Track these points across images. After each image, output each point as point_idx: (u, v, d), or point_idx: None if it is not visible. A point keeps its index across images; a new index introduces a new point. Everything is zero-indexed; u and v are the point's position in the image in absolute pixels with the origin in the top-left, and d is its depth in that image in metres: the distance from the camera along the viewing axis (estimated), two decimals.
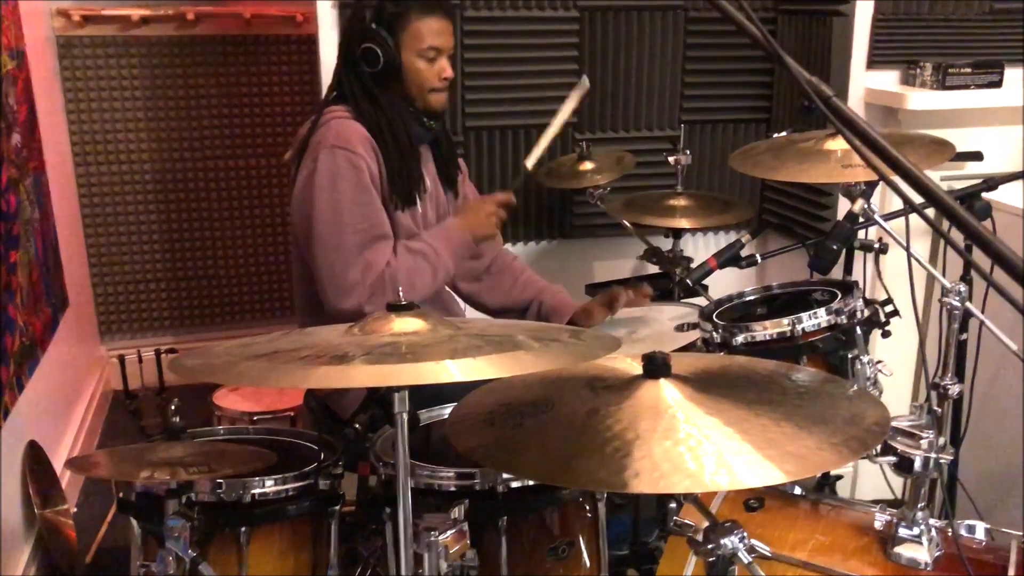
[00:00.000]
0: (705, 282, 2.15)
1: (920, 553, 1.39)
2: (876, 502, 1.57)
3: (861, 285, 1.94)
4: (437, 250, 1.97)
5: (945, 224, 0.79)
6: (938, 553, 1.40)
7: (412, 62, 1.95)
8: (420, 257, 1.95)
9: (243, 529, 1.55)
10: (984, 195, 1.97)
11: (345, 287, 1.87)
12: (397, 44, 1.93)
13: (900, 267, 1.77)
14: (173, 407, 1.54)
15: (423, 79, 1.96)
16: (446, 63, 1.98)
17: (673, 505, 1.46)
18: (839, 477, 2.40)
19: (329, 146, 1.88)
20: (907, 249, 1.71)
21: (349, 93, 1.97)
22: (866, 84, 2.73)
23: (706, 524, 1.13)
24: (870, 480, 2.64)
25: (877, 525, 1.47)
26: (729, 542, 1.10)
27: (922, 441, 1.37)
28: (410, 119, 1.99)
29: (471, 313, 2.41)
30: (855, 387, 1.25)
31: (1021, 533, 1.45)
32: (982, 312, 1.66)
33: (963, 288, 1.58)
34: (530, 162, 2.19)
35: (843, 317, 1.77)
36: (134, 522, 1.61)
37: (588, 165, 2.63)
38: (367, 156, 1.90)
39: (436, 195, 2.11)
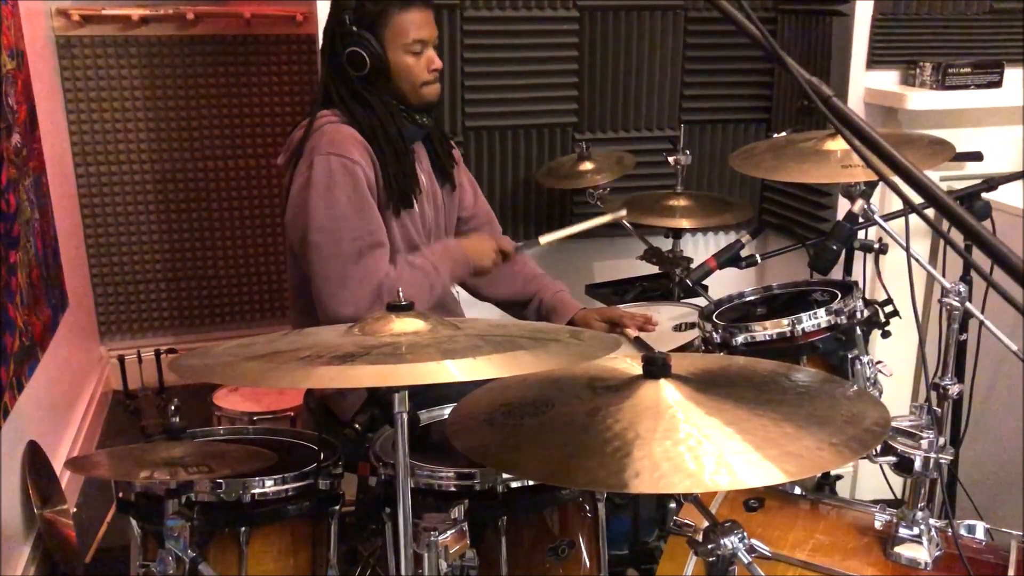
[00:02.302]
0: (705, 282, 2.15)
1: (920, 553, 1.39)
2: (876, 502, 1.57)
3: (861, 285, 1.94)
4: (437, 268, 1.98)
5: (945, 224, 0.79)
6: (938, 553, 1.40)
7: (399, 58, 1.93)
8: (420, 273, 1.95)
9: (243, 529, 1.55)
10: (984, 195, 1.97)
11: (343, 294, 1.86)
12: (381, 43, 1.91)
13: (900, 267, 1.76)
14: (173, 407, 1.54)
15: (413, 74, 1.95)
16: (434, 54, 1.97)
17: (673, 505, 1.47)
18: (839, 477, 2.40)
19: (324, 152, 1.87)
20: (907, 249, 1.71)
21: (339, 99, 1.95)
22: (866, 84, 2.73)
23: (706, 524, 1.13)
24: (870, 480, 2.64)
25: (877, 525, 1.47)
26: (729, 542, 1.10)
27: (922, 441, 1.37)
28: (402, 119, 1.98)
29: (469, 312, 2.41)
30: (855, 387, 1.25)
31: (1021, 533, 1.45)
32: (982, 312, 1.66)
33: (963, 288, 1.58)
34: (544, 239, 2.20)
35: (843, 317, 1.77)
36: (134, 522, 1.61)
37: (588, 165, 2.63)
38: (362, 161, 1.89)
39: (433, 192, 2.10)
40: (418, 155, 2.06)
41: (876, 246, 1.89)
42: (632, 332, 2.08)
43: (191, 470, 1.45)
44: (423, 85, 1.97)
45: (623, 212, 2.30)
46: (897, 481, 1.87)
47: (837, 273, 2.04)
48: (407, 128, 1.98)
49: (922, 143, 1.89)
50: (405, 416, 1.23)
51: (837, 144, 1.80)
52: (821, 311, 1.77)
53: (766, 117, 3.02)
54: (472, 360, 1.12)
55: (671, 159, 2.60)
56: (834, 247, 1.81)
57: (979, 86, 2.62)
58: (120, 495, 1.60)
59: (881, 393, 1.82)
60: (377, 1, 1.90)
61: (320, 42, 2.52)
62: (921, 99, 2.60)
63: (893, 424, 1.37)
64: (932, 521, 1.42)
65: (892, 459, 1.39)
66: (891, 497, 2.14)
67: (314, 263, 1.89)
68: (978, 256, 0.76)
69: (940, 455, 1.38)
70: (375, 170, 1.92)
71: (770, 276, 2.85)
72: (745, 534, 1.11)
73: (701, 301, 2.17)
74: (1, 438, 2.24)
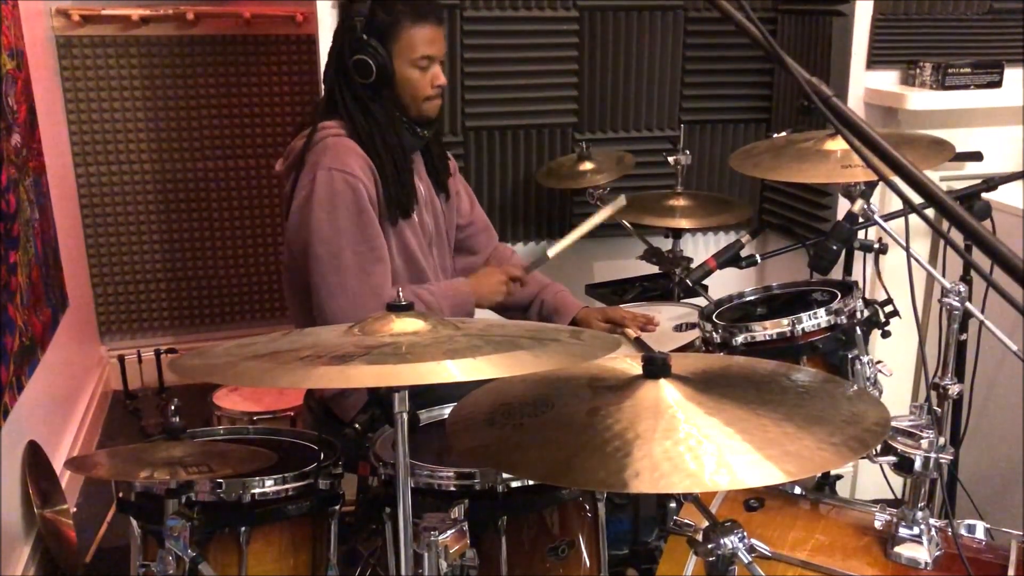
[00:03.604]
0: (705, 282, 2.15)
1: (920, 553, 1.39)
2: (876, 502, 1.57)
3: (861, 285, 1.94)
4: (442, 307, 1.97)
5: (945, 224, 0.79)
6: (938, 553, 1.40)
7: (405, 72, 1.94)
8: (423, 305, 1.94)
9: (243, 529, 1.55)
10: (984, 195, 1.97)
11: (344, 307, 1.86)
12: (389, 54, 1.91)
13: (900, 267, 1.77)
14: (173, 407, 1.54)
15: (416, 88, 1.95)
16: (439, 70, 1.98)
17: (673, 505, 1.47)
18: (839, 477, 2.40)
19: (326, 167, 1.88)
20: (907, 249, 1.71)
21: (342, 105, 1.95)
22: (866, 84, 2.73)
23: (706, 524, 1.13)
24: (870, 480, 2.64)
25: (877, 525, 1.47)
26: (729, 542, 1.10)
27: (922, 441, 1.37)
28: (403, 129, 1.98)
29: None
30: (855, 387, 1.25)
31: (1021, 533, 1.45)
32: (982, 312, 1.66)
33: (963, 288, 1.58)
34: (551, 252, 2.17)
35: (843, 317, 1.77)
36: (134, 522, 1.61)
37: (588, 165, 2.63)
38: (364, 177, 1.89)
39: (431, 201, 2.11)
40: (416, 164, 2.07)
41: (876, 246, 1.89)
42: (633, 332, 2.08)
43: (191, 470, 1.45)
44: (425, 100, 1.98)
45: (622, 202, 2.30)
46: (897, 481, 1.87)
47: (837, 273, 2.04)
48: (407, 139, 1.99)
49: (922, 143, 1.89)
50: (405, 416, 1.23)
51: (837, 144, 1.80)
52: (821, 311, 1.77)
53: (766, 117, 3.02)
54: (472, 360, 1.12)
55: (671, 159, 2.60)
56: (834, 247, 1.81)
57: (979, 86, 2.62)
58: (120, 495, 1.60)
59: (881, 393, 1.82)
60: (389, 12, 1.91)
61: (321, 43, 2.55)
62: (921, 99, 2.60)
63: (893, 424, 1.37)
64: (932, 521, 1.42)
65: (892, 459, 1.39)
66: (891, 497, 2.14)
67: (316, 276, 1.89)
68: (978, 256, 0.76)
69: (940, 455, 1.38)
70: (375, 183, 1.93)
71: (770, 276, 2.85)
72: (745, 534, 1.11)
73: (701, 301, 2.17)
74: (1, 438, 2.24)
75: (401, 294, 1.86)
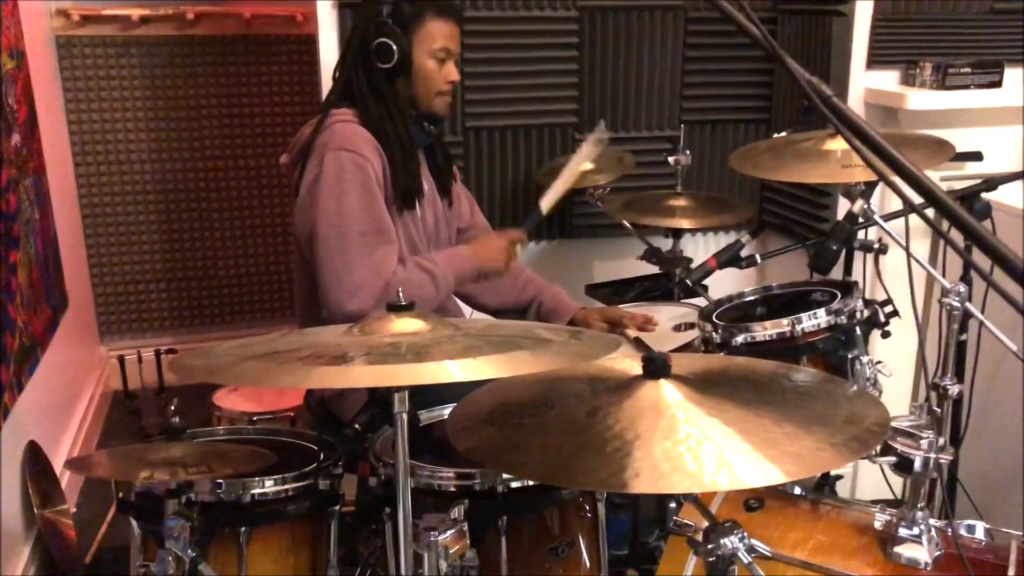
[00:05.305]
0: (705, 282, 2.15)
1: (920, 553, 1.39)
2: (876, 502, 1.57)
3: (861, 285, 1.94)
4: (446, 274, 1.98)
5: (945, 224, 0.79)
6: (938, 553, 1.40)
7: (423, 62, 1.97)
8: (428, 277, 1.95)
9: (243, 529, 1.55)
10: (984, 195, 1.97)
11: (350, 290, 1.86)
12: (410, 43, 1.95)
13: (900, 267, 1.77)
14: (173, 407, 1.54)
15: (432, 80, 1.98)
16: (453, 67, 2.01)
17: (673, 505, 1.46)
18: (839, 477, 2.40)
19: (335, 148, 1.89)
20: (907, 249, 1.71)
21: (356, 90, 1.98)
22: (866, 84, 2.73)
23: (706, 524, 1.13)
24: (870, 480, 2.64)
25: (877, 525, 1.47)
26: (729, 542, 1.10)
27: (922, 441, 1.37)
28: (411, 123, 2.00)
29: (470, 314, 2.40)
30: (855, 387, 1.25)
31: (1021, 533, 1.45)
32: (982, 312, 1.66)
33: (963, 288, 1.58)
34: (545, 205, 2.17)
35: (843, 317, 1.77)
36: (134, 522, 1.61)
37: (588, 165, 2.62)
38: (373, 159, 1.90)
39: (433, 199, 2.11)
40: (420, 162, 2.07)
41: (876, 246, 1.89)
42: (632, 332, 2.08)
43: (191, 470, 1.45)
44: (438, 95, 2.01)
45: (603, 130, 2.28)
46: (897, 481, 1.87)
47: (837, 273, 2.04)
48: (415, 132, 2.01)
49: (922, 143, 1.89)
50: (405, 416, 1.23)
51: (837, 144, 1.80)
52: (821, 311, 1.77)
53: (766, 117, 3.02)
54: (472, 360, 1.12)
55: (671, 159, 2.60)
56: (834, 247, 1.81)
57: (979, 86, 2.62)
58: (120, 495, 1.60)
59: (881, 393, 1.82)
60: (414, 3, 1.95)
61: (321, 43, 2.55)
62: (921, 99, 2.59)
63: (893, 424, 1.37)
64: (932, 521, 1.42)
65: (892, 459, 1.39)
66: (891, 497, 2.14)
67: (321, 257, 1.89)
68: (978, 256, 0.76)
69: (940, 455, 1.38)
70: (384, 168, 1.93)
71: (770, 276, 2.85)
72: (745, 534, 1.11)
73: (701, 301, 2.17)
74: (1, 438, 2.24)
75: (403, 274, 1.90)
